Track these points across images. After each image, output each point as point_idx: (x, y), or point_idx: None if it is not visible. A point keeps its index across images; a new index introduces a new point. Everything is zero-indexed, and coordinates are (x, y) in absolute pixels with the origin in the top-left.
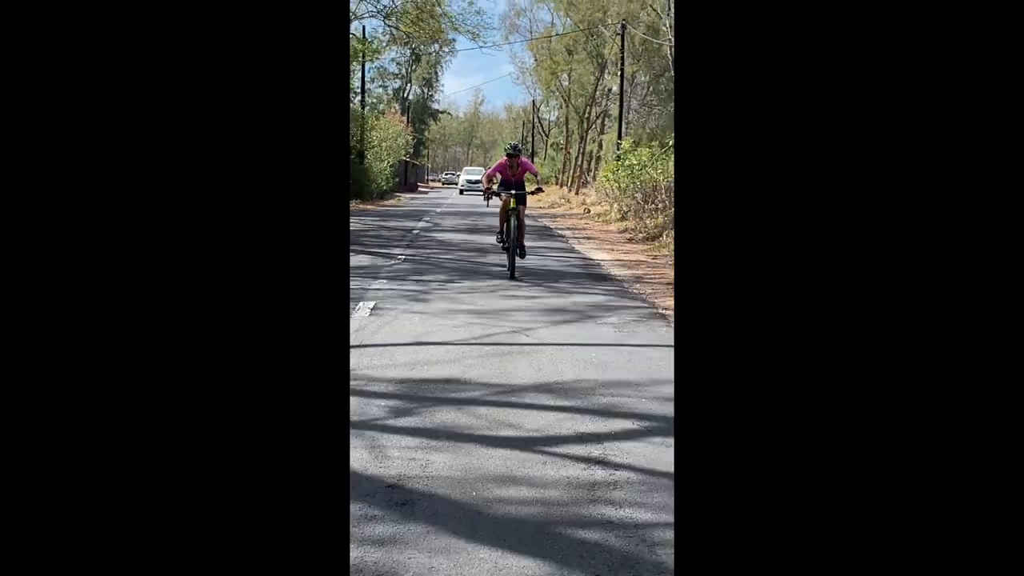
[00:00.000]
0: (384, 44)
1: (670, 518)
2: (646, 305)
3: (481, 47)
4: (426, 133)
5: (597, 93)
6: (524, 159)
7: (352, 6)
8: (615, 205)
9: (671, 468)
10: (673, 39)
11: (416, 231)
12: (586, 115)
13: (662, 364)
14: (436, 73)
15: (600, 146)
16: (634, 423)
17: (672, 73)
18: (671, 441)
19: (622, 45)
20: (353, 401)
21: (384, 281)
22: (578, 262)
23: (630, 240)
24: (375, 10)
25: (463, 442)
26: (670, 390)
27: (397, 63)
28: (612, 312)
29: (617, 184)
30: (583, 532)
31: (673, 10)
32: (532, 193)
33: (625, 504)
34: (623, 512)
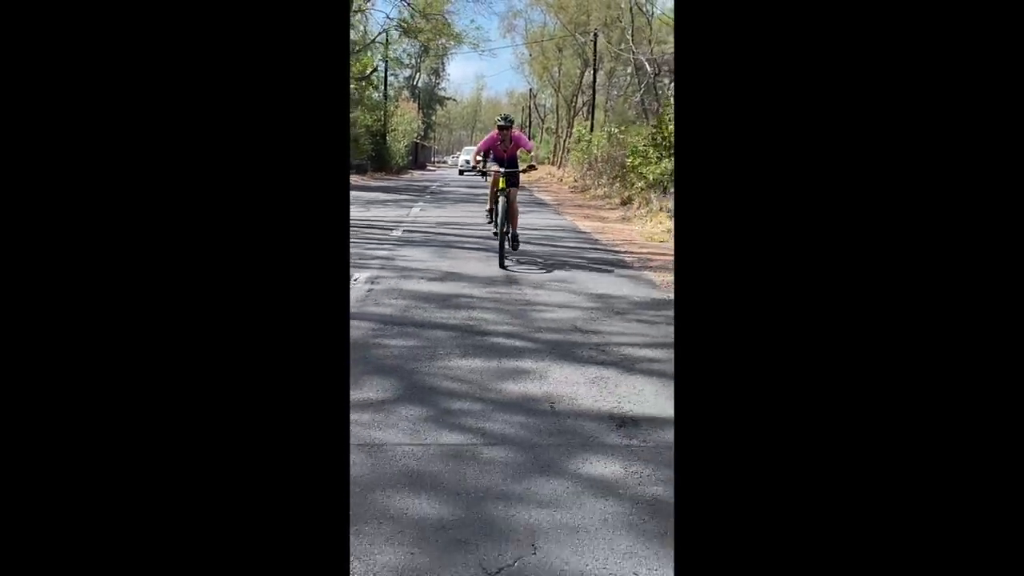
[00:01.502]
0: (397, 37)
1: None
2: (553, 205)
3: (481, 54)
4: (433, 117)
5: (583, 85)
6: (517, 132)
7: (380, 21)
8: (572, 173)
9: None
10: (633, 48)
11: (432, 188)
12: (573, 104)
13: (552, 222)
14: (443, 63)
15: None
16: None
17: (640, 71)
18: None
19: (594, 50)
20: (400, 236)
21: (421, 204)
22: (530, 199)
23: (572, 191)
24: (400, 29)
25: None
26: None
27: (408, 54)
28: (539, 210)
29: (575, 158)
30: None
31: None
32: (525, 171)
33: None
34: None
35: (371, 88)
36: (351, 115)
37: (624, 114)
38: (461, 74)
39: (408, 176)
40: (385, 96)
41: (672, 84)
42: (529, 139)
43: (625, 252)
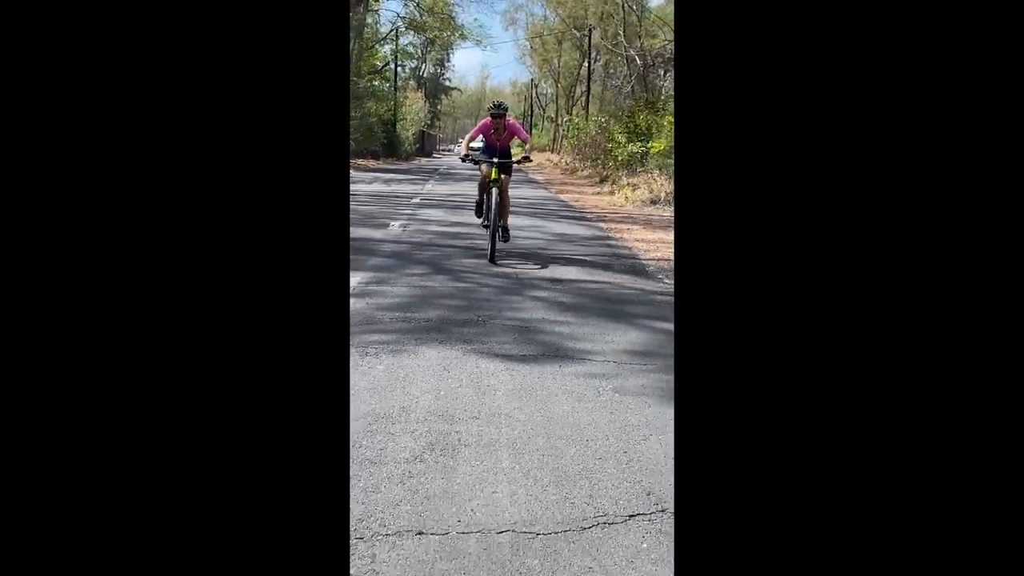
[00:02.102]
0: (404, 29)
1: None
2: (543, 183)
3: (484, 49)
4: (439, 107)
5: (581, 76)
6: (512, 120)
7: (390, 19)
8: (565, 157)
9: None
10: (625, 42)
11: (441, 170)
12: (571, 93)
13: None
14: (448, 54)
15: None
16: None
17: (632, 63)
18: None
19: (588, 44)
20: (414, 201)
21: (432, 182)
22: (523, 178)
23: (563, 173)
24: (410, 27)
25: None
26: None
27: (413, 45)
28: (530, 186)
29: (568, 144)
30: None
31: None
32: (519, 162)
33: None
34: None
35: (382, 80)
36: (366, 105)
37: (619, 103)
38: (466, 63)
39: (417, 162)
40: (395, 87)
41: (662, 75)
42: (529, 129)
43: (589, 212)
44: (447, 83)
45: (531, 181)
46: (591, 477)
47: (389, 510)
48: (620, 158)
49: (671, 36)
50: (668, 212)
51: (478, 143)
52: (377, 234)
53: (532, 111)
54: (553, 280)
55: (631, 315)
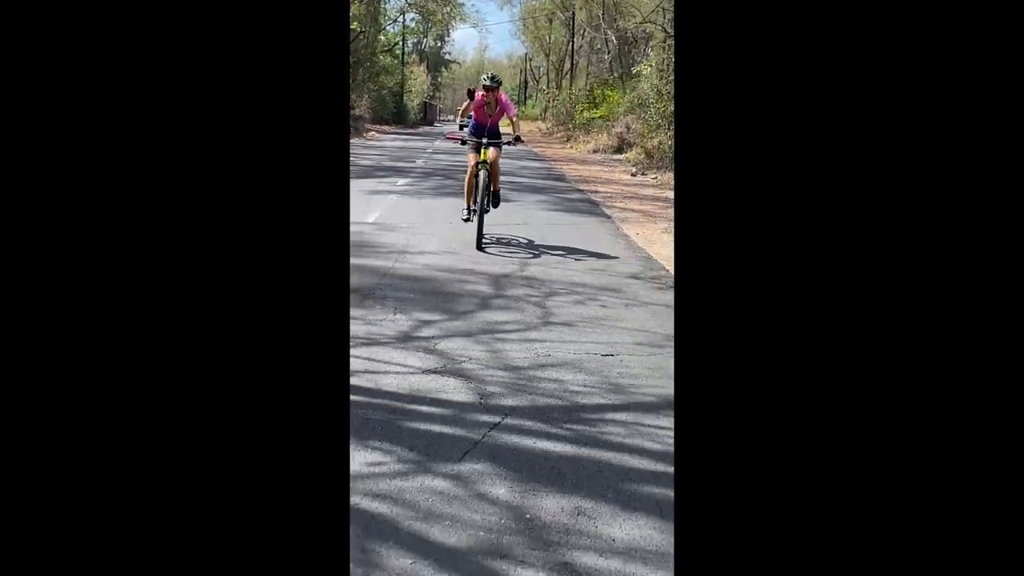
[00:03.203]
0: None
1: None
2: (524, 141)
3: (480, 32)
4: (440, 79)
5: (568, 51)
6: (504, 95)
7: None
8: (548, 124)
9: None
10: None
11: (445, 133)
12: (560, 67)
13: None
14: (447, 30)
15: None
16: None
17: (609, 43)
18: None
19: (572, 24)
20: (422, 153)
21: (438, 141)
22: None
23: (542, 135)
24: (416, 10)
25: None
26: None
27: (415, 20)
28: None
29: (551, 112)
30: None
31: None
32: (509, 143)
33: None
34: None
35: (392, 58)
36: (380, 80)
37: (601, 77)
38: (465, 37)
39: (422, 129)
40: (402, 63)
41: (642, 51)
42: (524, 100)
43: (548, 157)
44: (447, 57)
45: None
46: (463, 229)
47: (397, 237)
48: (578, 121)
49: (646, 17)
50: (601, 156)
51: (467, 120)
52: (408, 165)
53: (527, 84)
54: (510, 181)
55: (545, 190)
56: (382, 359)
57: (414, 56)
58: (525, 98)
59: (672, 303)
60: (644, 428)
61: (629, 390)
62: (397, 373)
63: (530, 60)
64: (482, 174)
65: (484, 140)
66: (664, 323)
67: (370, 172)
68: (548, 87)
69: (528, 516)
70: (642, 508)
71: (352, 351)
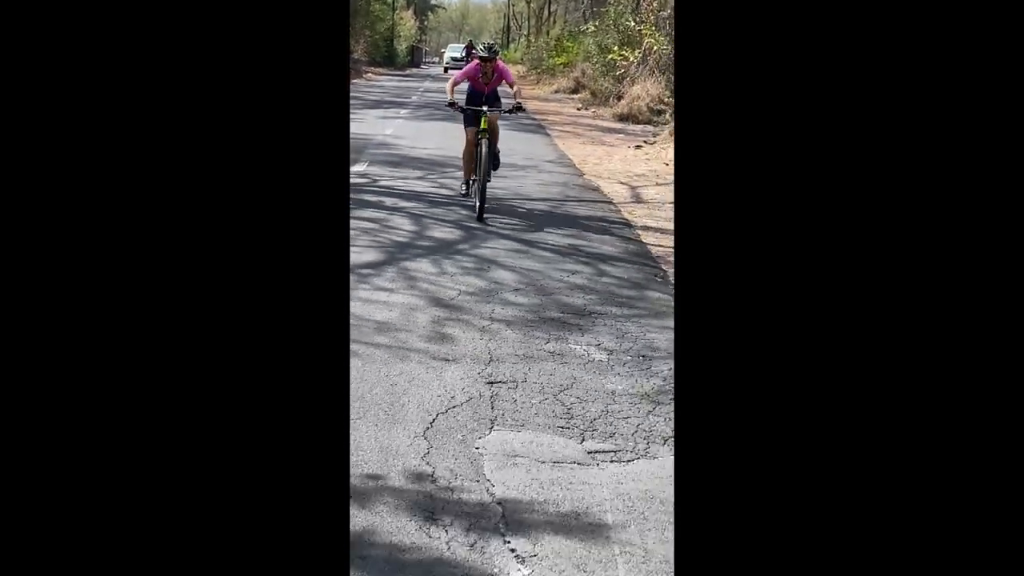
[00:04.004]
0: None
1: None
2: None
3: None
4: (426, 23)
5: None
6: (501, 64)
7: None
8: (524, 68)
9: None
10: None
11: (433, 75)
12: (540, 15)
13: None
14: None
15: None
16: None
17: None
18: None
19: None
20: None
21: (428, 81)
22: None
23: (519, 77)
24: None
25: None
26: None
27: None
28: None
29: (526, 57)
30: None
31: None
32: (509, 112)
33: None
34: None
35: (382, 4)
36: (374, 26)
37: (576, 25)
38: None
39: (411, 71)
40: (393, 9)
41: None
42: (506, 45)
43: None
44: (432, 2)
45: None
46: (448, 132)
47: (386, 145)
48: (546, 66)
49: None
50: (561, 96)
51: (462, 89)
52: (406, 100)
53: (509, 28)
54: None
55: (507, 117)
56: (389, 176)
57: (402, 2)
58: (507, 43)
59: (566, 176)
60: (528, 202)
61: (531, 193)
62: (403, 181)
63: (513, 6)
64: (483, 143)
65: (484, 108)
66: (556, 179)
67: (377, 105)
68: (529, 34)
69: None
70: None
71: (377, 183)
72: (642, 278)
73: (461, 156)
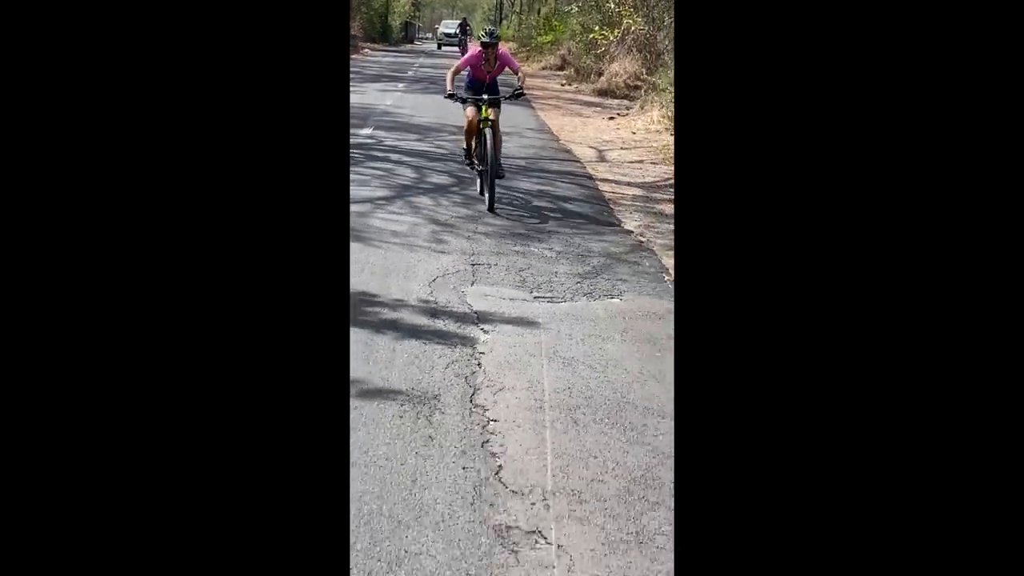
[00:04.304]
0: None
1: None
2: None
3: None
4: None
5: None
6: (504, 50)
7: None
8: (515, 45)
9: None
10: None
11: (427, 52)
12: None
13: None
14: None
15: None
16: None
17: None
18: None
19: None
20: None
21: (423, 57)
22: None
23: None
24: None
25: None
26: None
27: None
28: None
29: (517, 35)
30: None
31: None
32: (510, 98)
33: None
34: None
35: None
36: (370, 3)
37: (567, 5)
38: None
39: (406, 47)
40: None
41: None
42: (498, 22)
43: None
44: None
45: None
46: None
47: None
48: (535, 44)
49: None
50: (547, 72)
51: (461, 77)
52: (402, 75)
53: (502, 5)
54: None
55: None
56: (392, 139)
57: None
58: (500, 20)
59: (543, 140)
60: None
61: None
62: (405, 142)
63: None
64: (487, 132)
65: (484, 96)
66: (534, 143)
67: (376, 79)
68: (520, 12)
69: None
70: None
71: (382, 141)
72: (593, 212)
73: (461, 130)
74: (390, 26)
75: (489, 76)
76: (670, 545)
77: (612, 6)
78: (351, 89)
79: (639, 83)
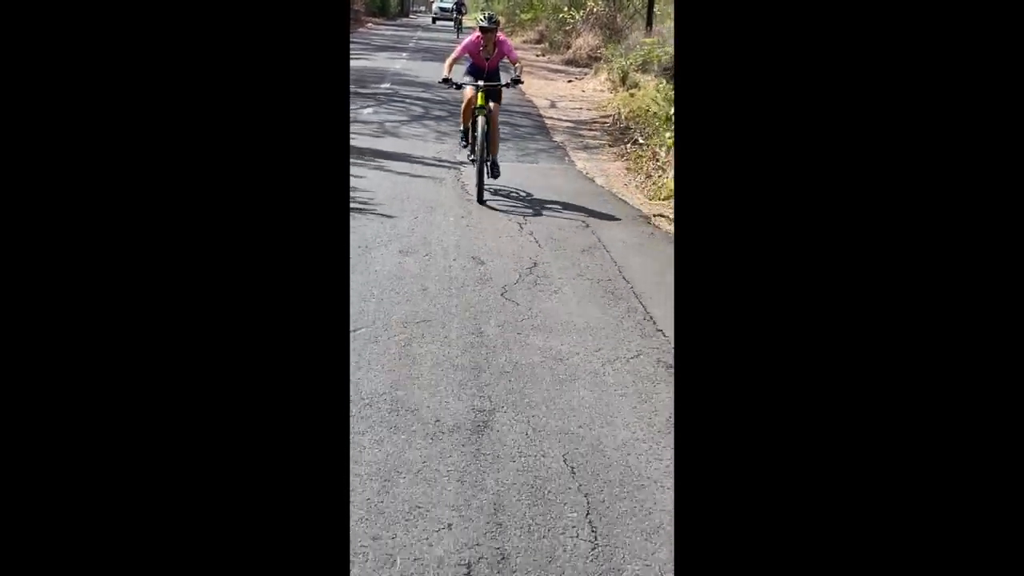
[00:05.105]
0: None
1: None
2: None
3: None
4: None
5: None
6: (503, 37)
7: None
8: (504, 20)
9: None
10: None
11: (424, 25)
12: None
13: None
14: None
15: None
16: None
17: None
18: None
19: None
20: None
21: (420, 31)
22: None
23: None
24: None
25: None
26: None
27: None
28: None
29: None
30: None
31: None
32: (508, 86)
33: None
34: None
35: None
36: None
37: None
38: None
39: (402, 21)
40: None
41: None
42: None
43: None
44: None
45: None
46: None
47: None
48: (518, 21)
49: None
50: (527, 46)
51: (463, 63)
52: (405, 46)
53: None
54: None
55: None
56: (405, 90)
57: None
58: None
59: (512, 95)
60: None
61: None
62: (415, 91)
63: None
64: (480, 120)
65: (481, 83)
66: (504, 95)
67: (383, 49)
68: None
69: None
70: None
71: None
72: (536, 133)
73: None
74: (388, 1)
75: (488, 64)
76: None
77: None
78: (366, 56)
79: (599, 54)
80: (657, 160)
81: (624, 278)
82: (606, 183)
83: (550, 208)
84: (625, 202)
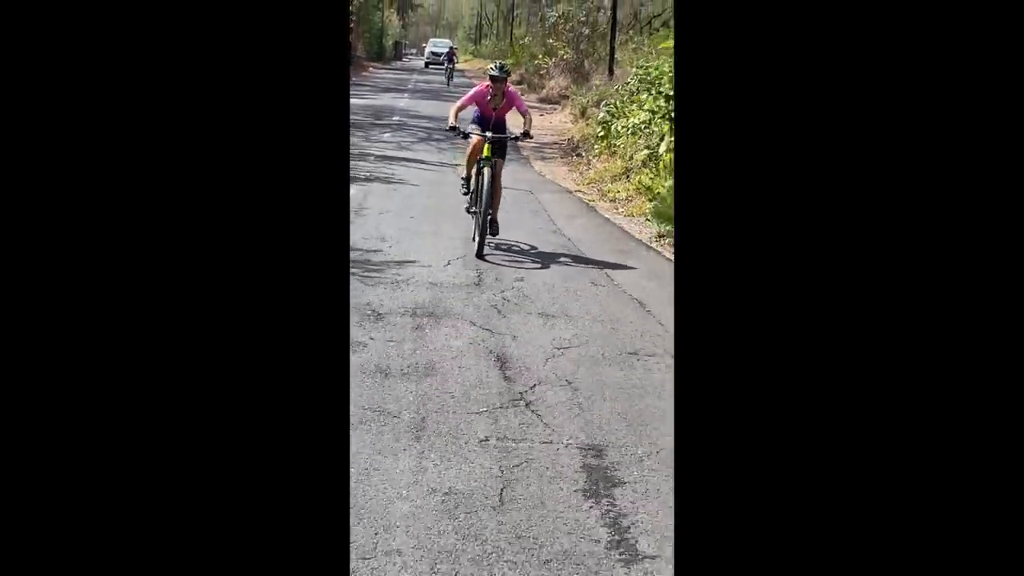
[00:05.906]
0: None
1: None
2: (468, 73)
3: None
4: (407, 19)
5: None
6: (512, 89)
7: None
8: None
9: None
10: None
11: (419, 69)
12: (507, 16)
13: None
14: None
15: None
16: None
17: None
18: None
19: None
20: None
21: (416, 74)
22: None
23: (482, 72)
24: None
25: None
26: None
27: None
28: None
29: (491, 56)
30: None
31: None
32: (517, 138)
33: None
34: None
35: (375, 10)
36: (369, 25)
37: (543, 25)
38: None
39: (398, 64)
40: (382, 13)
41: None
42: (478, 40)
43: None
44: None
45: (459, 71)
46: (440, 106)
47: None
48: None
49: None
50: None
51: (465, 117)
52: (404, 87)
53: (481, 26)
54: (446, 91)
55: (459, 95)
56: (411, 120)
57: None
58: (480, 39)
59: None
60: None
61: None
62: (417, 122)
63: (484, 7)
64: (486, 173)
65: (489, 134)
66: None
67: (387, 90)
68: (497, 33)
69: None
70: None
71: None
72: (508, 150)
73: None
74: (384, 46)
75: (495, 114)
76: None
77: (551, 42)
78: (374, 96)
79: (567, 94)
80: (589, 164)
81: (544, 209)
82: (551, 176)
83: (512, 188)
84: (559, 184)
